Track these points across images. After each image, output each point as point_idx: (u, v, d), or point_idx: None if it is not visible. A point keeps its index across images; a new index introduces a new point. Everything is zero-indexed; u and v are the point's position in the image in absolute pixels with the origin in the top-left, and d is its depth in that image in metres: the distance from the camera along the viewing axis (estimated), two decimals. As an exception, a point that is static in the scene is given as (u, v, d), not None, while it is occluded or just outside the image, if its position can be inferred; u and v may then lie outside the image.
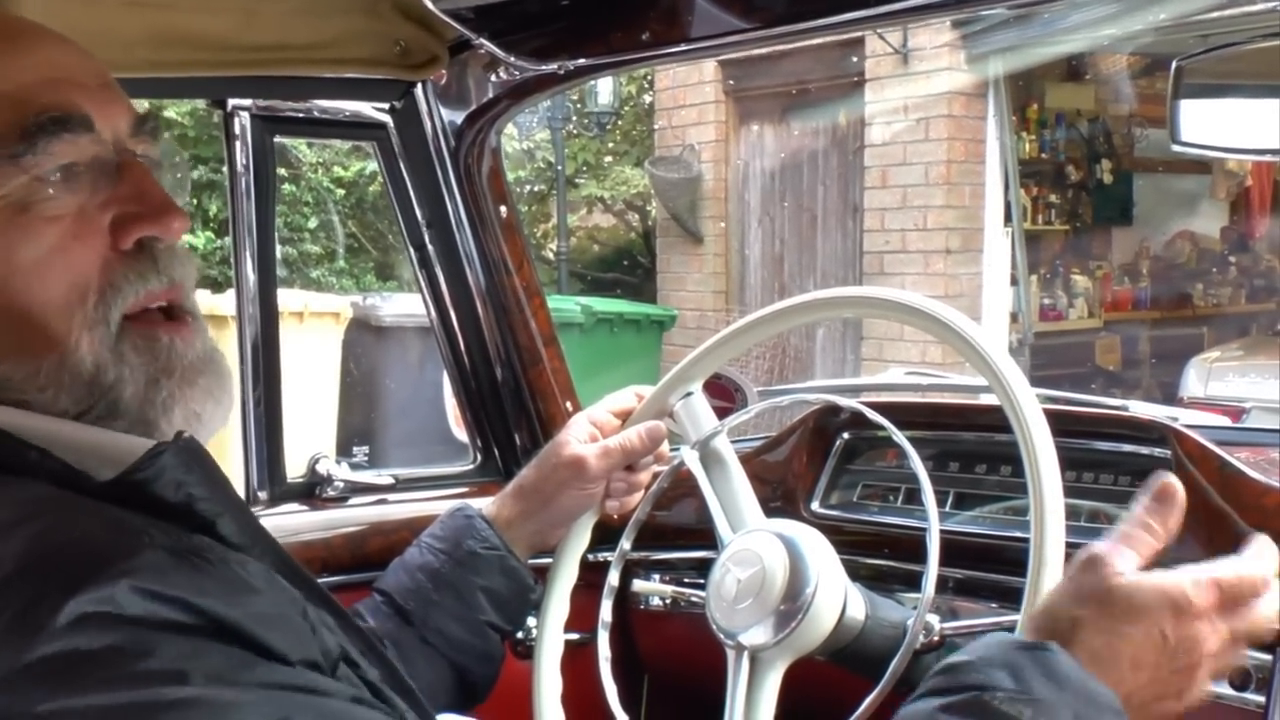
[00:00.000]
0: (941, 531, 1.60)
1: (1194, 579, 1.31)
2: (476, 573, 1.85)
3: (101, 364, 1.21)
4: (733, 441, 2.31)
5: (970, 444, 2.22)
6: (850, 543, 1.89)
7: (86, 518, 1.07)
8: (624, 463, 1.92)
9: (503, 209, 2.43)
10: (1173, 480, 1.38)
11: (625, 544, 1.93)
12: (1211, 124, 1.79)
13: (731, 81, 12.25)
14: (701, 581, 1.80)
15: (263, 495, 2.31)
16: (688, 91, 12.66)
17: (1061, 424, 1.69)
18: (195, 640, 1.01)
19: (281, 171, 11.50)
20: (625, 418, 1.96)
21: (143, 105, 1.30)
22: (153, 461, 1.13)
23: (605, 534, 1.98)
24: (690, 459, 1.89)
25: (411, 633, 1.81)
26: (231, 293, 2.28)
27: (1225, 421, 3.53)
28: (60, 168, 1.20)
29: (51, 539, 1.04)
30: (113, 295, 1.21)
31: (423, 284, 2.46)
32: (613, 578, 1.92)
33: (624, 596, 2.31)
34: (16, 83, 1.20)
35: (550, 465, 1.91)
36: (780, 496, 2.26)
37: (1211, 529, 1.84)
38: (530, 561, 1.93)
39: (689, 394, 1.93)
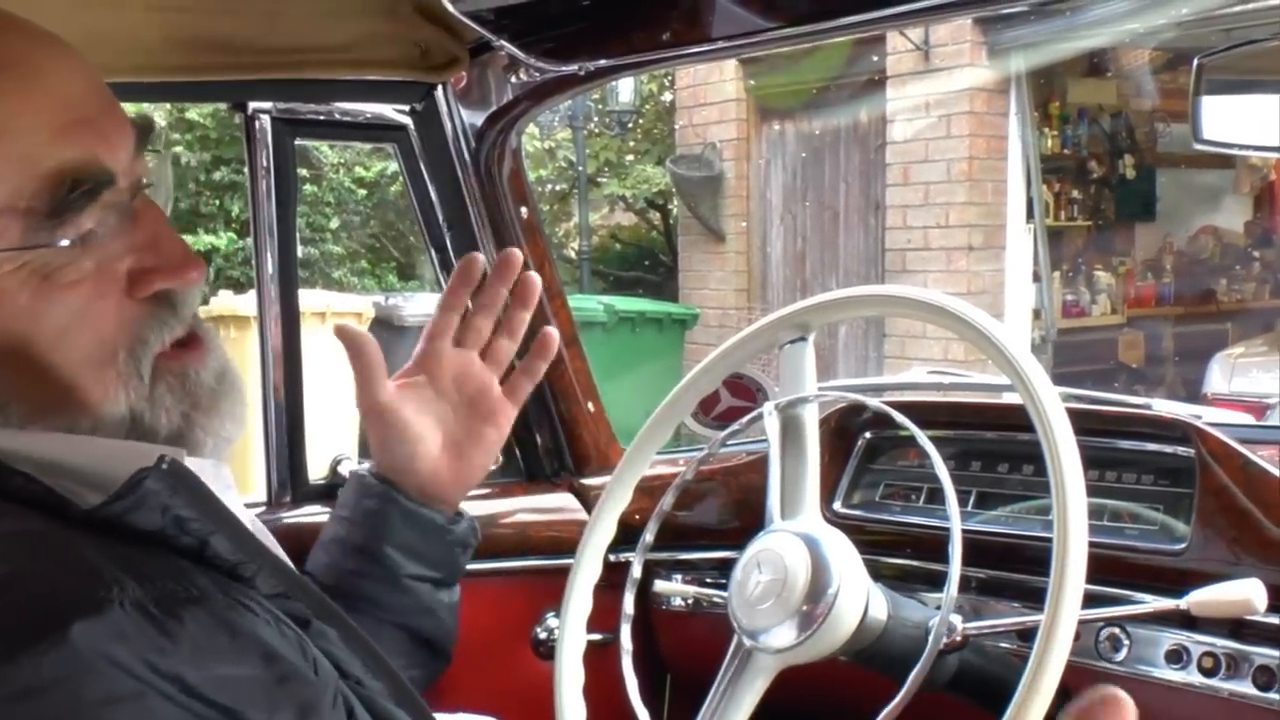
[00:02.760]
0: (964, 531, 1.59)
1: None
2: (381, 530, 1.79)
3: (138, 411, 1.22)
4: (749, 441, 2.31)
5: (992, 443, 2.21)
6: (872, 543, 1.89)
7: (55, 563, 1.06)
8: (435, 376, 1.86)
9: (523, 210, 2.43)
10: None
11: (648, 536, 1.93)
12: (1234, 121, 1.78)
13: (752, 79, 12.24)
14: (723, 582, 1.79)
15: (285, 497, 2.31)
16: (709, 90, 12.66)
17: (1084, 423, 1.69)
18: (149, 704, 1.00)
19: (303, 172, 11.54)
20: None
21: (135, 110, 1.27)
22: (135, 489, 1.11)
23: (627, 533, 1.97)
24: (770, 422, 1.82)
25: (340, 606, 1.78)
26: (253, 293, 2.28)
27: (1249, 418, 3.52)
28: (85, 230, 1.17)
29: (13, 589, 1.03)
30: (141, 349, 1.22)
31: (444, 285, 2.45)
32: (635, 569, 1.92)
33: (646, 597, 2.31)
34: (32, 139, 1.14)
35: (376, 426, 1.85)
36: (802, 496, 2.26)
37: (1237, 529, 1.83)
38: (554, 561, 1.93)
39: (801, 339, 1.86)
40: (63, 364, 1.17)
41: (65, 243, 1.15)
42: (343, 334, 1.82)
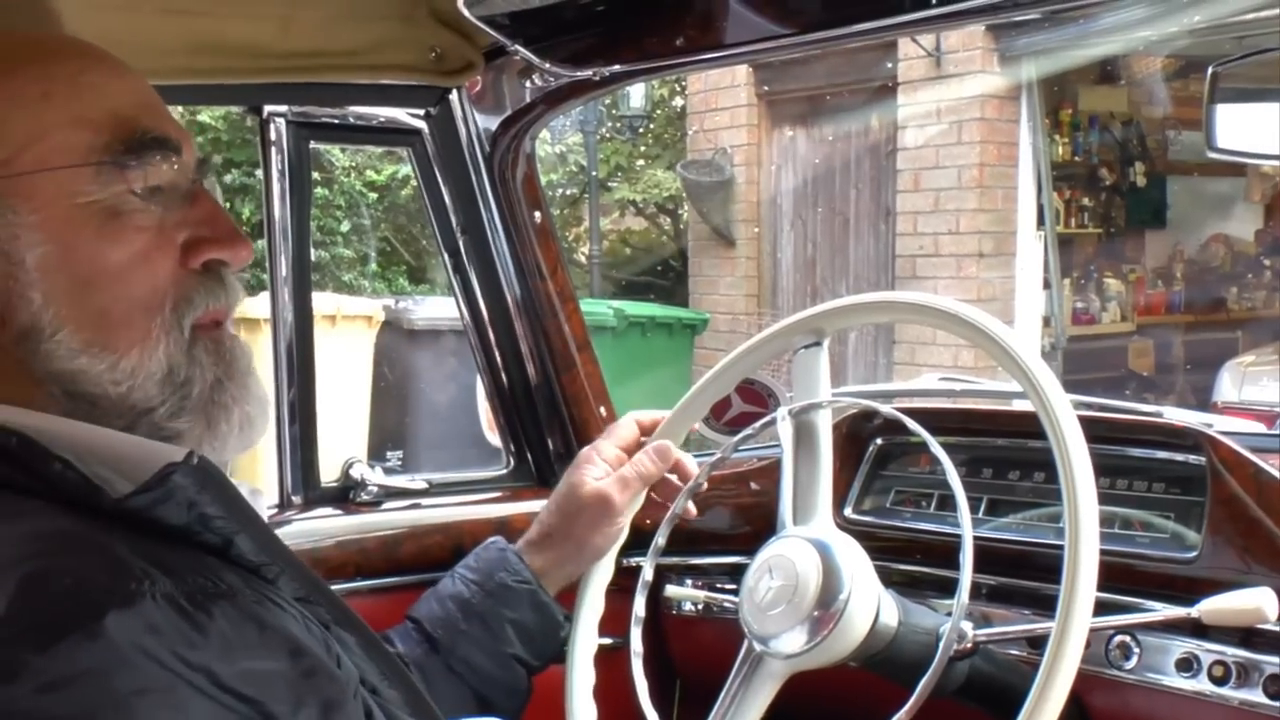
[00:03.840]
0: (975, 538, 1.60)
1: None
2: (507, 605, 1.86)
3: (175, 364, 1.26)
4: (761, 446, 2.31)
5: (1003, 450, 2.21)
6: (883, 549, 1.89)
7: (88, 558, 1.08)
8: (643, 488, 1.92)
9: (537, 214, 2.44)
10: None
11: (660, 540, 1.93)
12: (1248, 130, 1.77)
13: (764, 86, 12.24)
14: (734, 587, 1.79)
15: (297, 499, 2.31)
16: (720, 95, 12.66)
17: (1095, 430, 1.69)
18: (180, 696, 1.02)
19: (315, 175, 11.55)
20: (630, 449, 1.96)
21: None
22: (163, 482, 1.14)
23: (638, 537, 1.98)
24: (783, 427, 1.83)
25: (438, 660, 1.82)
26: (265, 296, 2.29)
27: (1260, 427, 3.51)
28: (153, 185, 1.25)
29: (46, 583, 1.05)
30: (186, 306, 1.27)
31: (457, 289, 2.46)
32: (646, 573, 1.92)
33: (657, 601, 2.31)
34: (121, 102, 1.26)
35: (575, 507, 1.90)
36: (813, 502, 2.26)
37: (1247, 538, 1.83)
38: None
39: (816, 344, 1.87)
40: (118, 301, 1.24)
41: (135, 172, 1.25)
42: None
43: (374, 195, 13.40)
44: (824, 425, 1.82)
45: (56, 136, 1.22)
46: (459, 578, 1.90)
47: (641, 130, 15.41)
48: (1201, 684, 1.79)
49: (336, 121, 2.33)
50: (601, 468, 1.92)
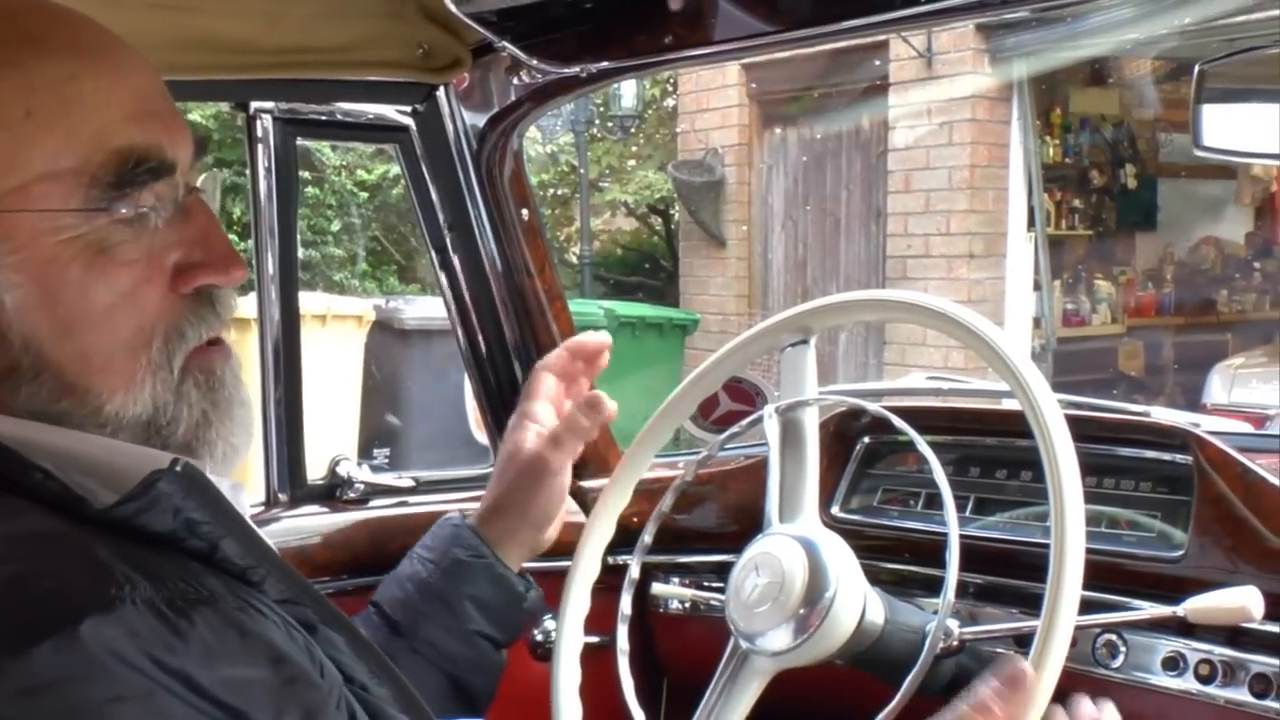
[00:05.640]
0: (962, 536, 1.59)
1: None
2: (464, 581, 1.84)
3: (161, 404, 1.23)
4: (748, 445, 2.31)
5: (991, 449, 2.21)
6: (870, 547, 1.88)
7: (68, 561, 1.06)
8: (579, 442, 1.90)
9: (524, 212, 2.43)
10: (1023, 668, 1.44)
11: (646, 538, 1.92)
12: (1235, 129, 1.77)
13: (754, 85, 12.25)
14: (721, 585, 1.79)
15: (283, 497, 2.31)
16: (711, 95, 12.68)
17: (1083, 429, 1.69)
18: (158, 703, 1.00)
19: (305, 174, 11.54)
20: (556, 401, 1.95)
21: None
22: (148, 490, 1.11)
23: (625, 536, 1.97)
24: (770, 425, 1.82)
25: (401, 643, 1.80)
26: (253, 295, 2.28)
27: (1248, 428, 3.51)
28: (140, 213, 1.20)
29: (25, 586, 1.03)
30: (177, 341, 1.23)
31: (444, 286, 2.45)
32: (633, 571, 1.91)
33: (643, 600, 2.30)
34: (112, 116, 1.19)
35: (514, 473, 1.90)
36: (800, 500, 2.26)
37: (1235, 538, 1.83)
38: (551, 563, 1.94)
39: (803, 342, 1.86)
40: (101, 343, 1.19)
41: (124, 210, 1.18)
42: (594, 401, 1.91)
43: (364, 195, 13.40)
44: (810, 423, 1.82)
45: (40, 173, 1.15)
46: (416, 558, 1.89)
47: (633, 130, 15.41)
48: (1188, 683, 1.79)
49: (324, 118, 2.32)
50: (533, 429, 1.91)
